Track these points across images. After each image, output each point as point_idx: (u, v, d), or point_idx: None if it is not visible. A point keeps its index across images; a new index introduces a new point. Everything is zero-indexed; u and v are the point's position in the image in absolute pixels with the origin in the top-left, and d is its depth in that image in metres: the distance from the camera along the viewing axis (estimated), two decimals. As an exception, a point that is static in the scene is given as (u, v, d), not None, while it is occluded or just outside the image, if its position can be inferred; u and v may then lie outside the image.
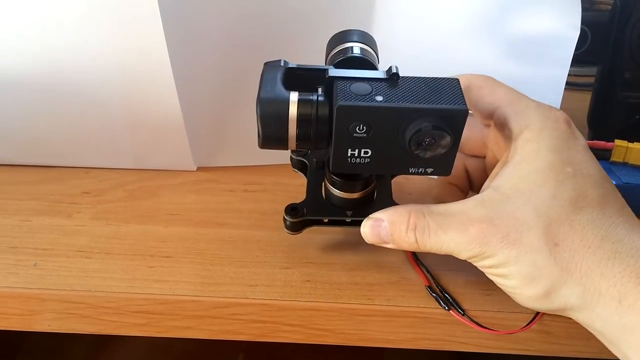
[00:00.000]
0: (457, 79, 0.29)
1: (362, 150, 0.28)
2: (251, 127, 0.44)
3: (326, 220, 0.34)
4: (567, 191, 0.27)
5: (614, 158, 0.41)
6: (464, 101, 0.27)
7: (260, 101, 0.28)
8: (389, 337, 0.33)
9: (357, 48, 0.32)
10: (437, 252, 0.29)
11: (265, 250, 0.36)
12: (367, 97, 0.27)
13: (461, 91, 0.28)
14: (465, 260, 0.29)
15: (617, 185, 0.39)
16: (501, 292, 0.30)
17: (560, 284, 0.27)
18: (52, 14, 0.36)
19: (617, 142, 0.41)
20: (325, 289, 0.33)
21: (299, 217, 0.33)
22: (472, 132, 0.34)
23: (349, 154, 0.28)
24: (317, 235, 0.37)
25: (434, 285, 0.34)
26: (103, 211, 0.40)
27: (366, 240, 0.31)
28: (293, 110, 0.28)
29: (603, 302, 0.26)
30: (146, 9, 0.34)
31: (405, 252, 0.36)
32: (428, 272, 0.34)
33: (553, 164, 0.27)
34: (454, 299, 0.33)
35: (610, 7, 0.51)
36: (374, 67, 0.31)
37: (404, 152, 0.28)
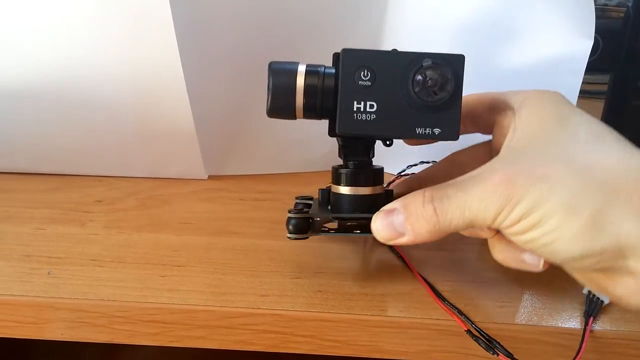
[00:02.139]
0: (462, 55, 0.29)
1: (368, 104, 0.28)
2: (262, 136, 0.44)
3: (332, 230, 0.34)
4: (587, 127, 0.26)
5: (627, 168, 0.41)
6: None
7: (272, 70, 0.29)
8: (401, 349, 0.33)
9: None
10: (459, 223, 0.26)
11: (276, 260, 0.36)
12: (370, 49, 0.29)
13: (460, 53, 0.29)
14: (495, 231, 0.27)
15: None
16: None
17: (607, 205, 0.23)
18: (68, 27, 0.36)
19: (631, 151, 0.41)
20: (336, 300, 0.33)
21: (304, 214, 0.33)
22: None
23: (354, 108, 0.28)
24: (328, 244, 0.37)
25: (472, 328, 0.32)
26: (116, 220, 0.40)
27: (379, 238, 0.29)
28: (300, 80, 0.29)
29: None
30: (160, 21, 0.35)
31: (431, 294, 0.34)
32: (461, 313, 0.32)
33: (562, 112, 0.27)
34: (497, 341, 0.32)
35: (622, 14, 0.51)
36: None
37: (410, 107, 0.28)
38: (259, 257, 0.36)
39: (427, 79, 0.27)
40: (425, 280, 0.34)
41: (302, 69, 0.30)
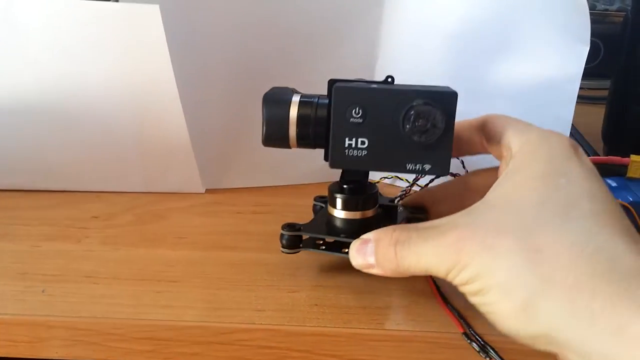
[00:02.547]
0: (455, 92, 0.29)
1: (359, 140, 0.29)
2: (259, 149, 0.44)
3: (323, 247, 0.34)
4: (558, 199, 0.25)
5: (630, 174, 0.40)
6: (454, 90, 0.28)
7: (266, 101, 0.30)
8: (400, 362, 0.33)
9: None
10: (416, 270, 0.27)
11: (272, 274, 0.36)
12: (364, 84, 0.29)
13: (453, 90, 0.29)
14: (449, 282, 0.27)
15: (633, 202, 0.38)
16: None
17: (541, 294, 0.23)
18: (63, 44, 0.36)
19: (633, 157, 0.40)
20: (333, 314, 0.33)
21: (295, 231, 0.34)
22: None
23: (346, 144, 0.29)
24: (325, 257, 0.36)
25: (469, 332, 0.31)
26: (112, 235, 0.40)
27: (353, 264, 0.30)
28: (294, 111, 0.30)
29: (598, 327, 0.21)
30: (153, 37, 0.35)
31: (436, 295, 0.34)
32: (460, 316, 0.32)
33: (546, 173, 0.26)
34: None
35: (622, 19, 0.50)
36: None
37: (400, 144, 0.28)
38: (255, 271, 0.36)
39: (417, 119, 0.27)
40: (432, 279, 0.34)
41: (296, 99, 0.31)
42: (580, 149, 0.27)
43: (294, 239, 0.34)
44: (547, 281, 0.23)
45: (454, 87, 0.29)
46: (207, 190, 0.45)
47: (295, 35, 0.41)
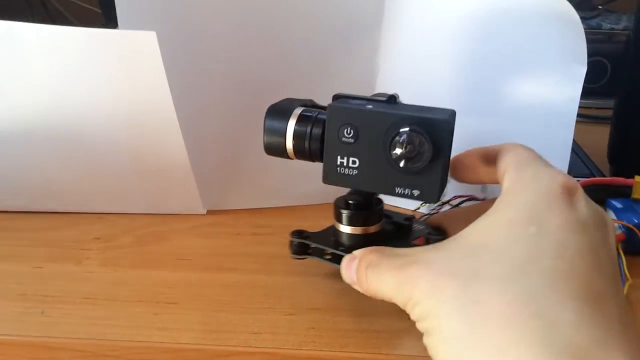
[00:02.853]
0: (454, 110, 0.29)
1: (351, 160, 0.29)
2: (259, 170, 0.44)
3: (329, 257, 0.34)
4: (517, 250, 0.23)
5: (635, 195, 0.40)
6: (450, 117, 0.27)
7: (268, 112, 0.31)
8: (397, 387, 0.32)
9: None
10: (382, 295, 0.27)
11: (270, 296, 0.35)
12: (359, 104, 0.29)
13: (453, 113, 0.28)
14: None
15: (639, 225, 0.37)
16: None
17: (471, 350, 0.21)
18: (63, 70, 0.37)
19: (638, 178, 0.40)
20: (330, 337, 0.32)
21: (302, 238, 0.35)
22: None
23: (338, 162, 0.30)
24: (323, 279, 0.36)
25: None
26: (112, 257, 0.40)
27: (342, 277, 0.30)
28: (291, 124, 0.31)
29: None
30: (150, 63, 0.35)
31: None
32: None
33: (516, 219, 0.24)
34: None
35: (626, 38, 0.50)
36: None
37: (390, 168, 0.28)
38: (253, 293, 0.36)
39: (404, 145, 0.27)
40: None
41: (297, 111, 0.31)
42: (579, 194, 0.25)
43: (302, 245, 0.35)
44: (477, 338, 0.21)
45: (451, 105, 0.29)
46: (208, 211, 0.45)
47: (295, 54, 0.41)
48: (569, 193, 0.25)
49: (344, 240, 0.34)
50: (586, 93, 0.37)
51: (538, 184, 0.25)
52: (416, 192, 0.29)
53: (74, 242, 0.42)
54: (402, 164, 0.27)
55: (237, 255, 0.40)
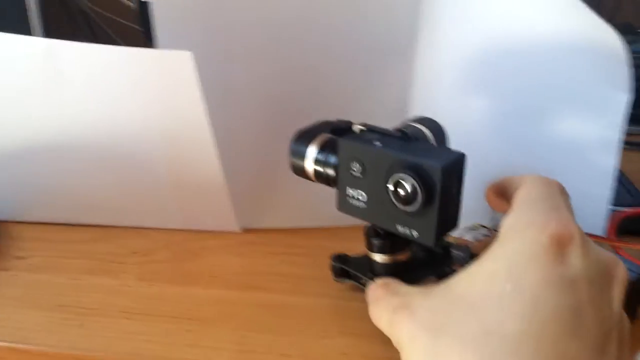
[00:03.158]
0: (464, 154, 0.28)
1: (359, 192, 0.30)
2: (294, 189, 0.44)
3: (363, 283, 0.35)
4: (488, 309, 0.22)
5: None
6: (449, 163, 0.27)
7: (294, 134, 0.33)
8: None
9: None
10: (379, 327, 0.28)
11: (302, 318, 0.35)
12: (369, 141, 0.29)
13: (459, 158, 0.28)
14: None
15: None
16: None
17: None
18: (102, 88, 0.38)
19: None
20: (362, 363, 0.32)
21: (340, 263, 0.36)
22: None
23: (348, 193, 0.31)
24: (356, 304, 0.36)
25: None
26: (148, 271, 0.41)
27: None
28: (312, 150, 0.33)
29: None
30: (186, 82, 0.36)
31: None
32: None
33: (495, 273, 0.23)
34: None
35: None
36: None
37: (392, 205, 0.29)
38: (285, 314, 0.36)
39: (398, 188, 0.28)
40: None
41: (321, 137, 0.33)
42: (574, 245, 0.23)
43: (341, 269, 0.36)
44: None
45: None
46: (244, 230, 0.45)
47: (329, 76, 0.42)
48: (558, 245, 0.23)
49: (375, 267, 0.34)
50: (632, 120, 0.36)
51: (525, 234, 0.24)
52: (415, 233, 0.29)
53: (112, 255, 0.42)
54: (398, 205, 0.28)
55: (270, 275, 0.40)
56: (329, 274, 0.37)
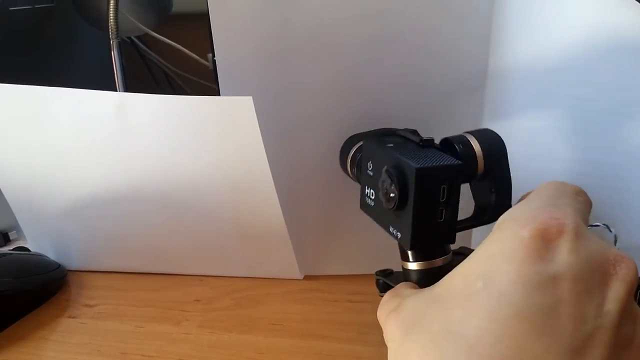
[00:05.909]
0: (459, 164, 0.26)
1: (371, 191, 0.30)
2: (357, 235, 0.43)
3: None
4: (454, 308, 0.21)
5: None
6: (432, 167, 0.25)
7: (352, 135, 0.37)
8: None
9: None
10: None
11: (364, 368, 0.33)
12: (385, 142, 0.29)
13: (450, 166, 0.26)
14: None
15: None
16: None
17: None
18: (168, 137, 0.39)
19: None
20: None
21: (384, 277, 0.33)
22: None
23: (365, 191, 0.31)
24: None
25: None
26: (210, 319, 0.40)
27: None
28: (348, 162, 0.35)
29: None
30: (247, 127, 0.36)
31: None
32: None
33: (470, 272, 0.22)
34: None
35: None
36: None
37: (382, 203, 0.28)
38: (347, 364, 0.34)
39: (383, 184, 0.27)
40: None
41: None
42: (563, 239, 0.21)
43: (384, 284, 0.34)
44: None
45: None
46: (306, 277, 0.44)
47: (395, 116, 0.41)
48: (542, 239, 0.21)
49: (410, 276, 0.31)
50: None
51: (506, 230, 0.22)
52: (398, 234, 0.27)
53: (176, 303, 0.43)
54: (384, 202, 0.27)
55: (332, 323, 0.38)
56: (392, 322, 0.35)
